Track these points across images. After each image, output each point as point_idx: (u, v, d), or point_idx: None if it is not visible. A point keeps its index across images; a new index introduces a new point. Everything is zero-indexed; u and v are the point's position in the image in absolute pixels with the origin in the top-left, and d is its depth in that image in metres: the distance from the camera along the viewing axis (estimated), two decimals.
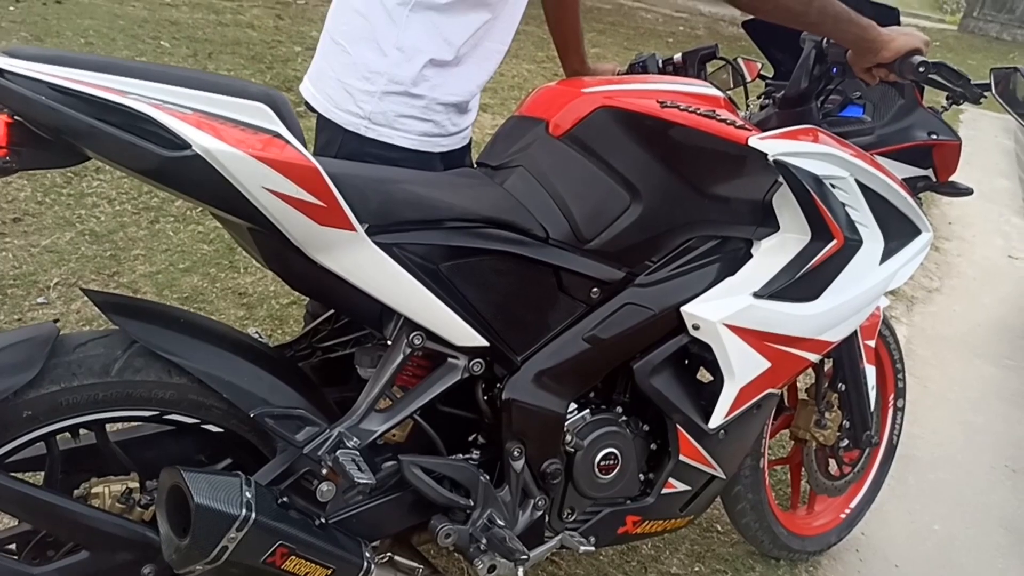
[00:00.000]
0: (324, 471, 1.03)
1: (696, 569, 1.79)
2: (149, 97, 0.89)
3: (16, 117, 0.87)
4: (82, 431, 1.06)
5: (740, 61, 1.71)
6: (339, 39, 1.32)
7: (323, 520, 1.06)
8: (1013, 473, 2.49)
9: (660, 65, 1.66)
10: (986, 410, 2.86)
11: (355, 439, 1.06)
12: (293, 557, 0.98)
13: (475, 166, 1.36)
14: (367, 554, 1.07)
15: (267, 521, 0.95)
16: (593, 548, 1.36)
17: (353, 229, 1.01)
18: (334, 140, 1.31)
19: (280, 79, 5.02)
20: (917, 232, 1.52)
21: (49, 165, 0.94)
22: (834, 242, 1.34)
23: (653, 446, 1.44)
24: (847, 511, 1.91)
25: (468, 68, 1.35)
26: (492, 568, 1.20)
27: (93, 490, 1.02)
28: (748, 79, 1.70)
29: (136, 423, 1.10)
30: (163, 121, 0.87)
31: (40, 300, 2.33)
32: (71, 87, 0.86)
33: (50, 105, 0.85)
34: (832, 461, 1.81)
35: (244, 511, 0.93)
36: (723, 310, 1.32)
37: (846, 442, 1.77)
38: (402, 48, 1.27)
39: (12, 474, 0.98)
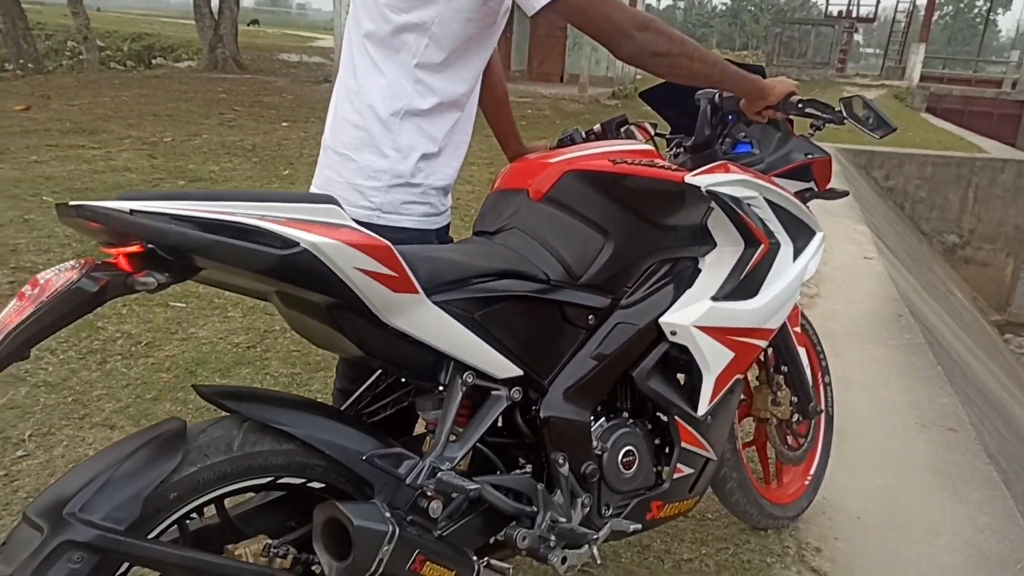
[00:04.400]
0: (429, 494, 1.22)
1: (704, 551, 2.04)
2: (249, 213, 1.10)
3: (148, 245, 1.05)
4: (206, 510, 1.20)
5: (632, 127, 2.08)
6: (342, 150, 1.57)
7: (439, 534, 1.24)
8: (923, 428, 2.92)
9: (584, 136, 1.99)
10: (886, 384, 3.31)
11: (447, 463, 1.27)
12: (428, 563, 1.16)
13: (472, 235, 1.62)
14: (474, 559, 1.26)
15: (407, 534, 1.14)
16: (641, 528, 1.58)
17: (417, 292, 1.24)
18: None
19: None
20: (813, 233, 1.89)
21: (168, 284, 1.10)
22: (762, 246, 1.68)
23: (657, 441, 1.69)
24: (809, 477, 2.23)
25: (448, 157, 1.63)
26: (564, 559, 1.40)
27: (236, 553, 1.17)
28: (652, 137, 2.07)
29: (247, 496, 1.25)
30: (272, 229, 1.08)
31: (20, 453, 2.33)
32: (190, 215, 1.05)
33: (181, 231, 1.04)
34: (788, 435, 2.14)
35: (390, 527, 1.11)
36: (691, 315, 1.62)
37: (796, 417, 2.10)
38: (399, 149, 1.54)
39: None
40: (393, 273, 1.20)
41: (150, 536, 1.09)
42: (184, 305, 3.58)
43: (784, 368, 2.04)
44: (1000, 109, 21.89)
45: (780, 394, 2.03)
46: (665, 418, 1.68)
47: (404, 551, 1.14)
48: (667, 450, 1.69)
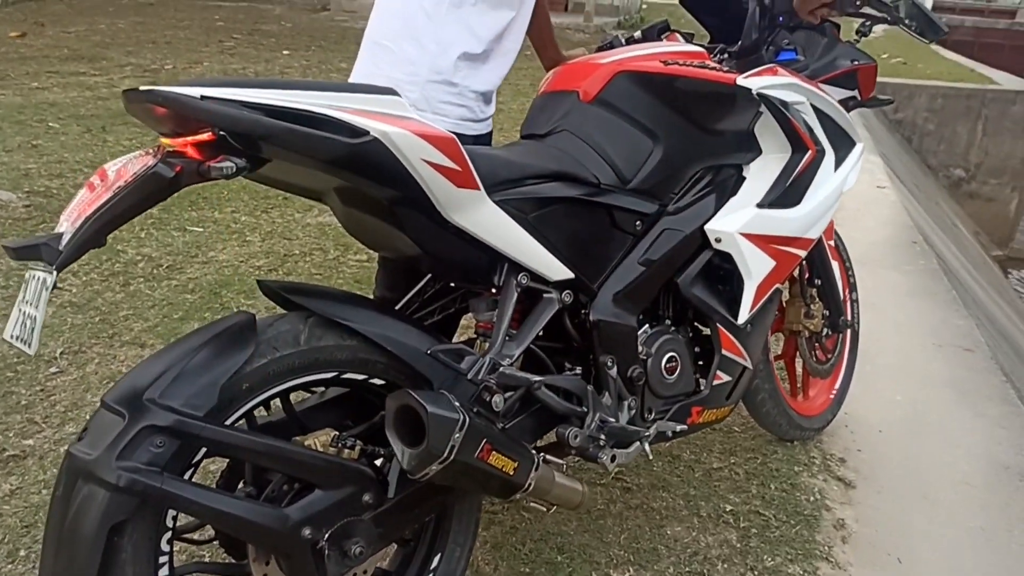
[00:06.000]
0: (492, 388, 1.24)
1: (732, 460, 2.10)
2: (318, 103, 1.08)
3: (220, 132, 1.03)
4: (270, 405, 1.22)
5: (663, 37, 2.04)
6: (383, 40, 1.54)
7: (503, 426, 1.27)
8: (939, 347, 2.96)
9: (624, 43, 1.96)
10: (903, 306, 3.35)
11: (506, 359, 1.29)
12: (495, 452, 1.19)
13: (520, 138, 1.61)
14: (534, 452, 1.30)
15: (475, 423, 1.16)
16: (686, 428, 1.62)
17: (479, 188, 1.24)
18: None
19: None
20: (854, 143, 1.88)
21: (243, 171, 1.08)
22: (809, 152, 1.68)
23: (697, 349, 1.72)
24: (834, 391, 2.27)
25: (492, 63, 1.60)
26: (614, 458, 1.44)
27: (306, 443, 1.20)
28: None
29: (314, 391, 1.27)
30: (342, 118, 1.07)
31: (53, 370, 2.36)
32: (260, 102, 1.04)
33: (253, 118, 1.03)
34: (817, 348, 2.17)
35: (461, 415, 1.14)
36: (736, 222, 1.63)
37: (826, 330, 2.13)
38: (439, 42, 1.51)
39: None
40: (457, 167, 1.19)
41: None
42: (202, 229, 3.57)
43: (818, 281, 2.05)
44: (1013, 40, 21.43)
45: (814, 307, 2.06)
46: (705, 327, 1.70)
47: (473, 439, 1.17)
48: (706, 358, 1.72)
